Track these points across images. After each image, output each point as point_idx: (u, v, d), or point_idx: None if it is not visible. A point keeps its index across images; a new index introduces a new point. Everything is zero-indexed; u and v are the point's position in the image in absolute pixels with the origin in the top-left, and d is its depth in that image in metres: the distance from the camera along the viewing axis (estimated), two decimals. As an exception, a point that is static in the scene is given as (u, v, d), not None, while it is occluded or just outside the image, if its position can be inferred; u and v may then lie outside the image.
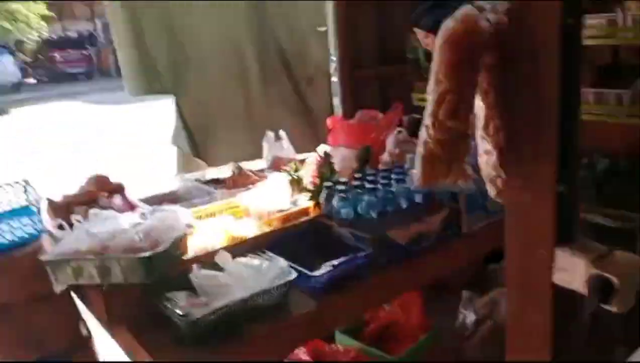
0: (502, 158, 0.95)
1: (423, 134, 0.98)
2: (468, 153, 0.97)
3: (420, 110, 3.96)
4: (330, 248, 1.90)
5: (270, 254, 1.77)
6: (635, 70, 3.75)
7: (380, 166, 2.42)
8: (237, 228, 2.00)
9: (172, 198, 2.48)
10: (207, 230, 1.98)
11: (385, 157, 2.77)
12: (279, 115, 3.89)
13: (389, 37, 4.69)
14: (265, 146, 2.91)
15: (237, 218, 2.13)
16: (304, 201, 2.16)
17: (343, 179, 2.06)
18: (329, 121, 3.21)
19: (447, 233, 2.09)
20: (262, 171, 2.81)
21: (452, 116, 0.93)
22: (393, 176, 2.08)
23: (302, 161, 2.61)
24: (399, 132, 2.77)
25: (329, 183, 2.03)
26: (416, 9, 3.15)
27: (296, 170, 2.24)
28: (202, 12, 3.21)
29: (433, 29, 3.14)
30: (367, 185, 1.99)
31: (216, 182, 2.66)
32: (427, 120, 0.97)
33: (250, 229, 2.00)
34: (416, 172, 1.01)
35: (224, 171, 2.75)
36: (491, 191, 1.02)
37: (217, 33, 3.35)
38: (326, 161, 2.16)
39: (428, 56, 4.52)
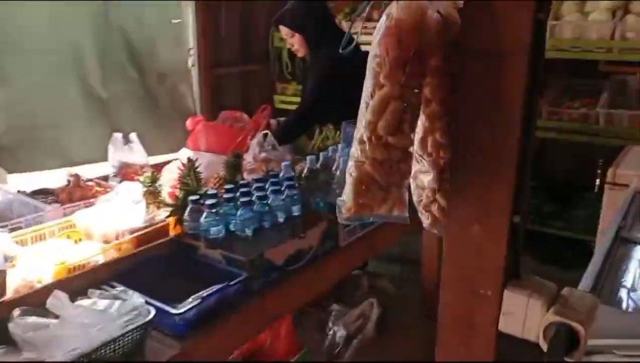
0: (442, 181, 0.76)
1: (355, 152, 0.74)
2: (408, 175, 0.76)
3: (282, 112, 3.79)
4: (197, 274, 1.59)
5: (121, 287, 1.41)
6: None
7: (245, 174, 2.16)
8: (75, 255, 1.58)
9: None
10: (34, 259, 1.54)
11: (249, 162, 2.52)
12: (126, 115, 3.48)
13: (252, 35, 4.47)
14: (110, 149, 2.47)
15: (75, 241, 1.70)
16: (163, 217, 1.81)
17: (211, 191, 1.76)
18: (188, 122, 2.86)
19: (324, 248, 1.91)
20: (106, 179, 2.37)
21: (395, 130, 0.70)
22: (269, 186, 1.83)
23: (158, 168, 2.24)
24: (265, 135, 2.53)
25: (194, 196, 1.71)
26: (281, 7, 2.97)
27: (153, 180, 1.87)
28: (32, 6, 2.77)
29: (298, 28, 3.00)
30: (241, 198, 1.71)
31: (45, 194, 2.16)
32: (362, 134, 0.73)
33: (93, 255, 1.59)
34: (344, 199, 0.77)
35: (57, 180, 2.27)
36: (424, 219, 0.83)
37: (48, 26, 2.91)
38: (190, 168, 1.83)
39: (292, 56, 4.42)
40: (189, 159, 1.89)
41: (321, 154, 2.22)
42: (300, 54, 2.97)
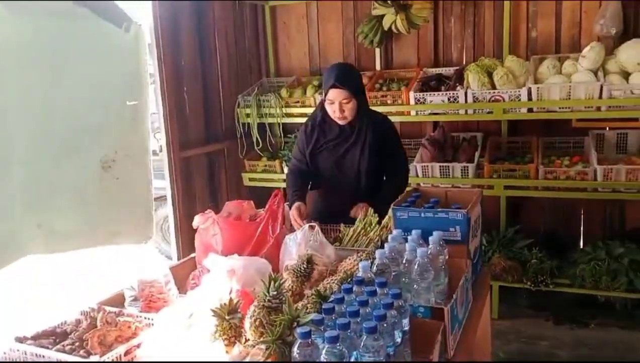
0: None
1: None
2: None
3: (251, 191, 3.41)
4: None
5: None
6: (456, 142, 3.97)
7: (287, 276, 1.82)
8: None
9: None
10: None
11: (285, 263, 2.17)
12: (63, 205, 2.92)
13: (215, 113, 4.16)
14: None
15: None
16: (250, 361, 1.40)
17: (316, 317, 1.40)
18: (197, 220, 2.44)
19: None
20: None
21: None
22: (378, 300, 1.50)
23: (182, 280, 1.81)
24: (312, 227, 2.20)
25: (303, 328, 1.34)
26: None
27: (233, 309, 1.46)
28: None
29: (360, 93, 2.65)
30: (364, 323, 1.36)
31: (52, 337, 1.64)
32: None
33: None
34: None
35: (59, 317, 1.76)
36: None
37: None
38: (276, 287, 1.45)
39: (261, 131, 4.11)
40: (272, 278, 1.51)
41: (387, 246, 1.93)
42: (344, 122, 2.66)
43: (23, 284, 3.10)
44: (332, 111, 2.65)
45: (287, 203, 2.75)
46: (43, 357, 1.55)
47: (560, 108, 3.39)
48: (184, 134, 3.79)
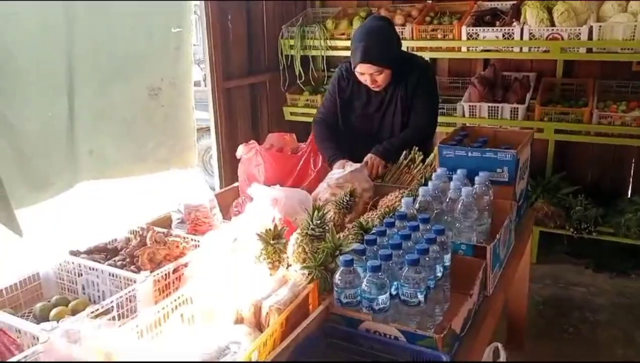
0: None
1: None
2: None
3: (293, 125, 3.34)
4: (371, 358, 1.24)
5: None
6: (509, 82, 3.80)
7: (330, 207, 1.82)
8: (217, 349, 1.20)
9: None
10: None
11: (322, 195, 2.18)
12: (113, 132, 2.96)
13: (259, 44, 4.09)
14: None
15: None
16: (293, 281, 1.44)
17: (359, 247, 1.41)
18: (241, 149, 2.47)
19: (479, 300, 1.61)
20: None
21: None
22: (422, 233, 1.51)
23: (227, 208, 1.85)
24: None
25: (347, 255, 1.36)
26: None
27: (277, 234, 1.49)
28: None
29: (390, 63, 2.40)
30: (407, 255, 1.37)
31: (103, 252, 1.73)
32: None
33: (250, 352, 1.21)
34: None
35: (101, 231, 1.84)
36: None
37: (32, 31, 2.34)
38: (320, 216, 1.47)
39: (304, 64, 4.04)
40: (315, 207, 1.53)
41: (430, 184, 1.91)
42: (379, 89, 2.54)
43: (77, 208, 3.23)
44: (364, 80, 2.49)
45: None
46: (96, 270, 1.63)
47: (622, 49, 3.18)
48: (227, 64, 3.76)
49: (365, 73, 2.44)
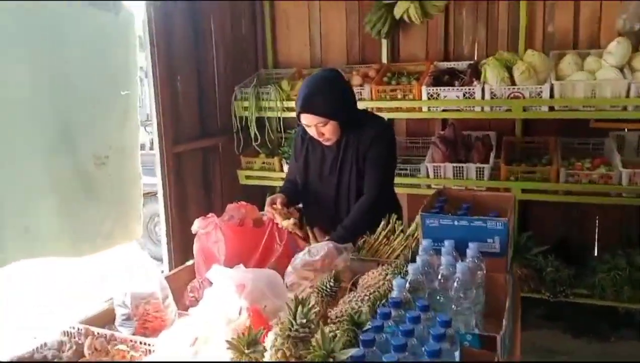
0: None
1: None
2: None
3: (248, 189, 3.11)
4: None
5: None
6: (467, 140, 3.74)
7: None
8: None
9: None
10: None
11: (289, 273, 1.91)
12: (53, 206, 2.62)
13: (210, 107, 3.86)
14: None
15: None
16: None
17: (356, 353, 1.14)
18: (197, 224, 2.17)
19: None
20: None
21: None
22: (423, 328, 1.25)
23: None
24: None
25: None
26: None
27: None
28: None
29: (335, 115, 2.24)
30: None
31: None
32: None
33: None
34: None
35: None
36: None
37: None
38: (305, 312, 1.19)
39: (260, 126, 3.80)
40: (299, 301, 1.25)
41: (419, 259, 1.68)
42: (329, 143, 2.36)
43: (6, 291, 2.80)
44: (311, 133, 2.34)
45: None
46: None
47: (583, 107, 3.17)
48: (176, 128, 3.50)
49: (310, 125, 2.29)
